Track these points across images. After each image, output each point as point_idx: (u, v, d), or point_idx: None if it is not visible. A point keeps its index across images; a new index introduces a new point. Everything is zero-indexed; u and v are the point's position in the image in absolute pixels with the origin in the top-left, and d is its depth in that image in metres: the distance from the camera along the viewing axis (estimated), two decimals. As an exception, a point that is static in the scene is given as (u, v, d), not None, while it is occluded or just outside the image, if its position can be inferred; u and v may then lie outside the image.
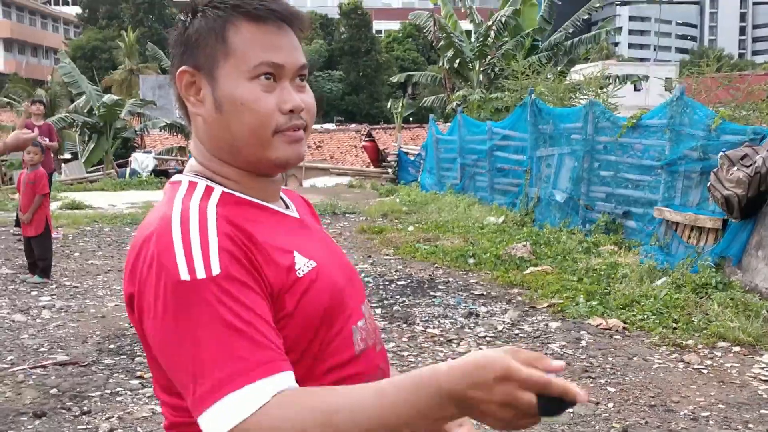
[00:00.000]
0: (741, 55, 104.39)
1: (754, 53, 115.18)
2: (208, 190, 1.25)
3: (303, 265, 1.23)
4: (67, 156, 28.12)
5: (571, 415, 4.67)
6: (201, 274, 1.10)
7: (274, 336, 1.12)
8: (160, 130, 27.60)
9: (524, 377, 0.96)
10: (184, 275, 1.10)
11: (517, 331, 6.54)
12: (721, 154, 7.51)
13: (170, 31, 1.34)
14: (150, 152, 27.19)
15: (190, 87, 1.28)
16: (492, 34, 22.86)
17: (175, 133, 27.56)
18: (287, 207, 1.39)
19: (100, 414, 4.70)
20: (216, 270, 1.10)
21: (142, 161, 24.26)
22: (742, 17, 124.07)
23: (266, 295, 1.15)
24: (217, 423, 1.04)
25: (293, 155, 1.27)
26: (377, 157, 27.14)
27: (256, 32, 1.24)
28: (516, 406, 0.96)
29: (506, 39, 23.24)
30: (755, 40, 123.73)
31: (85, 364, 5.66)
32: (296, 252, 1.24)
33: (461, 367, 0.99)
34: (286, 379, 1.08)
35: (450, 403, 0.99)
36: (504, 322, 6.83)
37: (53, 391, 5.08)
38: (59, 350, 6.03)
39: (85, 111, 25.68)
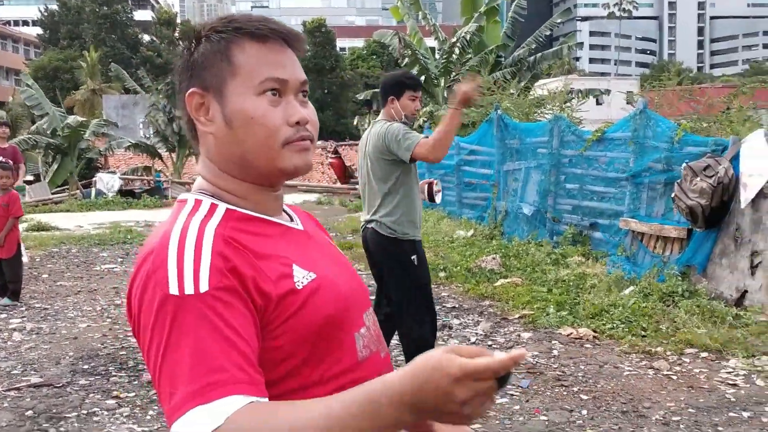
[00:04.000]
0: (699, 68, 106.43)
1: (712, 66, 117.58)
2: (213, 208, 1.31)
3: (302, 277, 1.28)
4: (29, 178, 27.77)
5: (546, 422, 4.76)
6: (189, 289, 1.15)
7: (252, 355, 1.15)
8: (126, 150, 27.39)
9: (481, 369, 0.99)
10: (173, 290, 1.15)
11: (490, 342, 6.62)
12: (684, 165, 7.68)
13: (175, 60, 1.42)
14: (115, 172, 26.95)
15: (199, 108, 1.35)
16: (456, 50, 23.09)
17: (139, 153, 27.39)
18: (292, 220, 1.45)
19: (77, 434, 4.69)
20: (204, 287, 1.15)
21: (107, 181, 24.02)
22: (700, 31, 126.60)
23: (254, 312, 1.19)
24: (190, 429, 1.07)
25: (302, 163, 1.34)
26: (344, 173, 27.22)
27: (259, 51, 1.32)
28: (478, 397, 1.01)
29: (470, 55, 23.49)
30: (713, 53, 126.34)
31: (60, 385, 5.62)
32: (295, 265, 1.29)
33: (413, 377, 1.02)
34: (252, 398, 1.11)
35: (405, 411, 1.03)
36: (477, 333, 6.91)
37: (29, 413, 5.04)
38: (33, 372, 5.98)
39: (49, 132, 25.42)
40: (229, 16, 1.36)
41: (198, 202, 1.33)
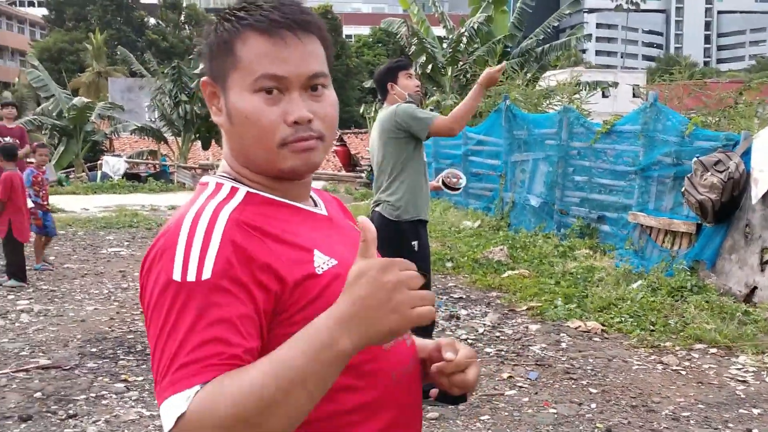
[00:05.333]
0: (706, 63, 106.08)
1: (719, 61, 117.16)
2: (233, 191, 1.28)
3: (323, 262, 1.25)
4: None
5: (556, 415, 4.75)
6: (191, 276, 1.13)
7: (241, 347, 1.12)
8: (131, 134, 27.37)
9: (401, 260, 1.10)
10: (176, 275, 1.13)
11: (497, 334, 6.61)
12: (695, 159, 7.65)
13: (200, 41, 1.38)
14: (120, 156, 26.95)
15: (212, 97, 1.32)
16: (464, 40, 22.98)
17: (145, 137, 27.36)
18: (316, 205, 1.41)
19: (86, 417, 4.69)
20: (207, 275, 1.13)
21: (113, 164, 24.04)
22: (707, 26, 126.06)
23: (258, 304, 1.16)
24: (166, 418, 1.07)
25: (301, 165, 1.29)
26: (349, 161, 27.21)
27: (262, 44, 1.26)
28: (407, 283, 1.07)
29: (478, 45, 23.38)
30: (720, 48, 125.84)
31: (68, 367, 5.62)
32: (316, 250, 1.26)
33: (342, 293, 1.08)
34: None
35: (340, 330, 1.05)
36: (484, 324, 6.90)
37: (37, 394, 5.05)
38: (41, 354, 5.99)
39: (54, 114, 25.40)
40: (241, 2, 1.30)
41: (219, 186, 1.30)
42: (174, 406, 1.05)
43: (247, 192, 1.29)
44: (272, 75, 1.24)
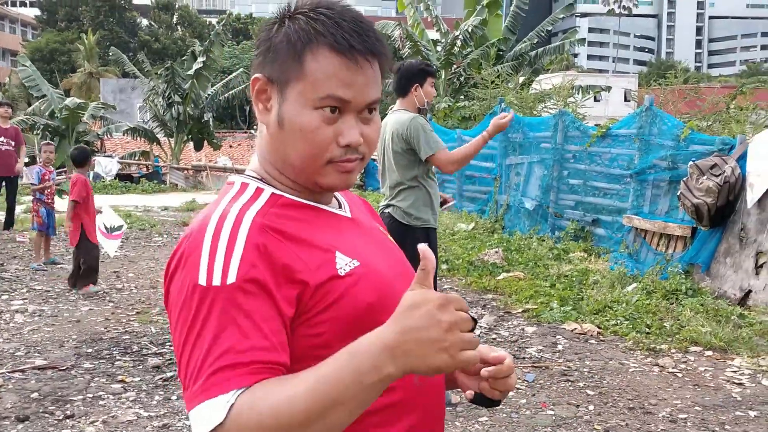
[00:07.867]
0: (697, 68, 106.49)
1: (710, 66, 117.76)
2: (257, 192, 1.29)
3: (345, 264, 1.25)
4: (26, 160, 27.62)
5: (554, 417, 4.76)
6: (216, 281, 1.13)
7: (270, 348, 1.13)
8: (123, 134, 27.30)
9: (458, 299, 1.04)
10: (202, 280, 1.14)
11: (494, 336, 6.62)
12: (690, 163, 7.69)
13: (261, 28, 1.35)
14: (112, 156, 26.87)
15: (261, 93, 1.31)
16: (458, 43, 23.02)
17: (137, 138, 27.28)
18: (340, 206, 1.42)
19: (83, 418, 4.66)
20: (231, 278, 1.13)
21: (105, 165, 23.96)
22: (699, 31, 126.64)
23: (281, 305, 1.16)
24: (200, 424, 1.07)
25: (341, 183, 1.31)
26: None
27: (332, 63, 1.24)
28: (461, 325, 1.02)
29: (472, 48, 23.44)
30: (711, 53, 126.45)
31: (65, 368, 5.60)
32: (338, 251, 1.26)
33: (395, 319, 1.04)
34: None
35: (387, 358, 1.02)
36: (480, 326, 6.91)
37: (34, 395, 5.02)
38: (36, 354, 5.96)
39: (46, 114, 25.32)
40: (318, 8, 1.28)
41: (244, 186, 1.31)
42: (209, 412, 1.06)
43: (272, 193, 1.30)
44: (338, 98, 1.24)
